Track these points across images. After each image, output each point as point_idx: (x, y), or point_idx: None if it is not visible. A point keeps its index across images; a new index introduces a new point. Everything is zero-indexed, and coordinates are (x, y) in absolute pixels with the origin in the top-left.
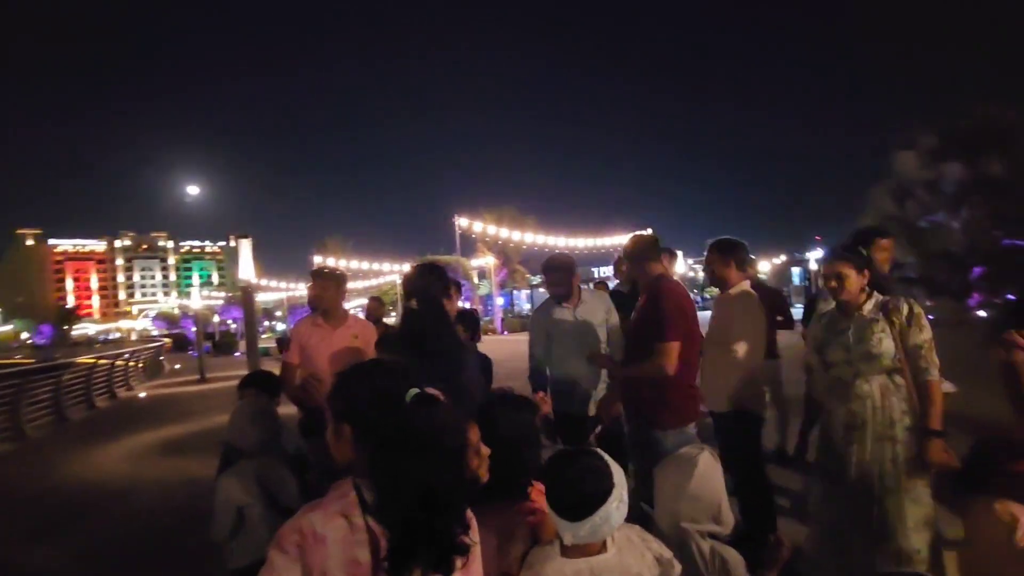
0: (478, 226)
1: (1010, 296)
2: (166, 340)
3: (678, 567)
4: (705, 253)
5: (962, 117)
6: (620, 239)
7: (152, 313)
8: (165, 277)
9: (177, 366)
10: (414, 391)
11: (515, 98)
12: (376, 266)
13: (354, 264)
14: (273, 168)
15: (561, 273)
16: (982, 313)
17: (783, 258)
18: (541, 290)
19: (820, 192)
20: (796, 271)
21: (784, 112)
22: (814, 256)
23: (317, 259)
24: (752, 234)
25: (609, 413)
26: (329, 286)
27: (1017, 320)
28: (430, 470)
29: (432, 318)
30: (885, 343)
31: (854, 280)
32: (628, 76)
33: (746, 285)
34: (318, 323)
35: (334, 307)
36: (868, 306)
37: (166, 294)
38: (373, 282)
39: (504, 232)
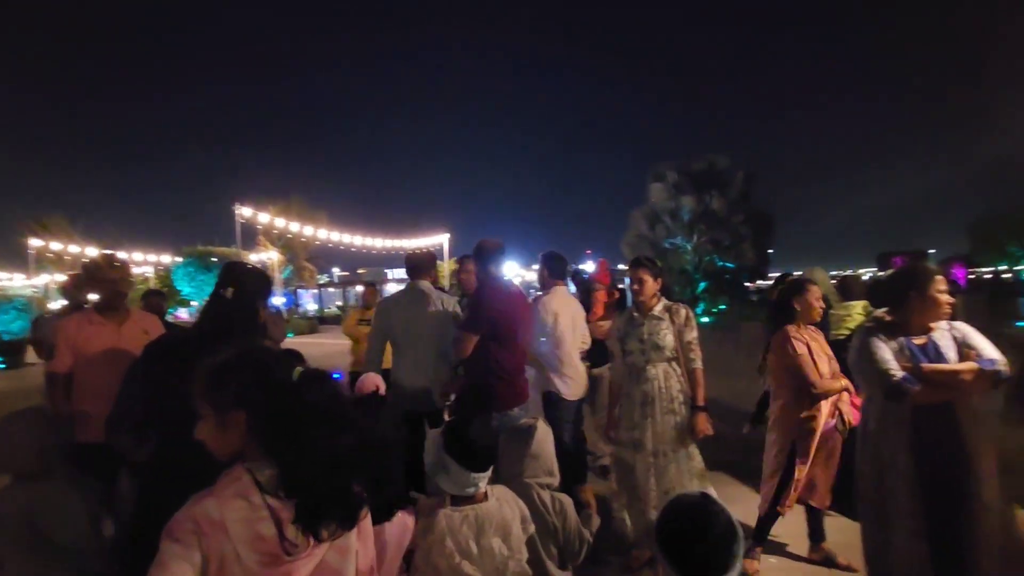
0: (264, 217)
1: (723, 306)
2: None
3: (532, 526)
4: (538, 264)
5: (696, 160)
6: (418, 242)
7: None
8: None
9: None
10: (299, 369)
11: (309, 86)
12: (123, 255)
13: (90, 251)
14: None
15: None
16: (705, 319)
17: None
18: (331, 289)
19: (591, 212)
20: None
21: (565, 141)
22: (585, 267)
23: (35, 243)
24: (521, 247)
25: (442, 392)
26: (123, 276)
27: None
28: (333, 436)
29: (243, 311)
30: (668, 337)
31: (651, 285)
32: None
33: (562, 288)
34: (96, 320)
35: (122, 301)
36: (658, 308)
37: None
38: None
39: (295, 226)
